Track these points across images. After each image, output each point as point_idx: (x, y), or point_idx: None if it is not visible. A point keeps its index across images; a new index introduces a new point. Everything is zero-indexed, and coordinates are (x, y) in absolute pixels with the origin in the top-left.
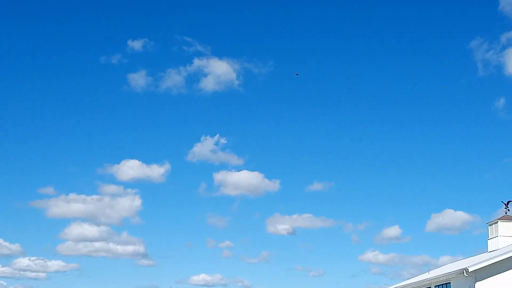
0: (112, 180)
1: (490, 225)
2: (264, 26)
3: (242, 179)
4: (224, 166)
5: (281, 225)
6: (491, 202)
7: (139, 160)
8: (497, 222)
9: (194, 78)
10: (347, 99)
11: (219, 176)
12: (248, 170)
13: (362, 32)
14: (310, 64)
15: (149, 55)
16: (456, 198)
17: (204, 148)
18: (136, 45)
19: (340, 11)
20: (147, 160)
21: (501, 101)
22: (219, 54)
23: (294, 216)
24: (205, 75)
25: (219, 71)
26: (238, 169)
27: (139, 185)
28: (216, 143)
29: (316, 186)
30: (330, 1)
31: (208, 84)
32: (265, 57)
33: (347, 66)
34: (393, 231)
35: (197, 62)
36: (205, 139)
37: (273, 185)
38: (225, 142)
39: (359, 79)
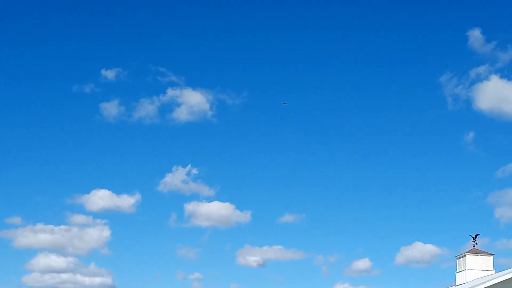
0: (81, 210)
1: (458, 259)
2: (238, 57)
3: (213, 210)
4: (195, 197)
5: (252, 257)
6: (459, 235)
7: (109, 190)
8: (465, 255)
9: (167, 108)
10: (318, 131)
11: (190, 207)
12: (219, 201)
13: (334, 65)
14: (285, 95)
15: (123, 84)
16: (425, 231)
17: (176, 178)
18: (110, 74)
19: (311, 43)
20: (117, 190)
21: (470, 135)
22: (193, 84)
23: (265, 248)
24: (178, 105)
25: (193, 101)
26: (209, 200)
27: (109, 216)
28: (188, 174)
29: (288, 218)
30: (303, 32)
31: (181, 115)
32: (239, 88)
33: (320, 98)
34: (363, 263)
35: (170, 92)
36: (177, 169)
37: (244, 216)
38: (197, 172)
39: (331, 113)
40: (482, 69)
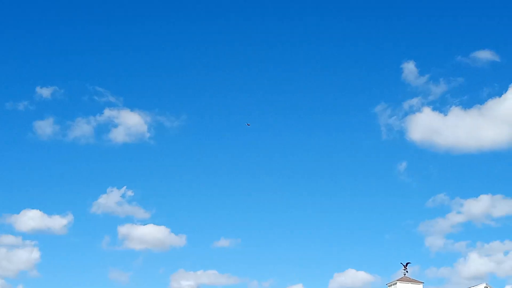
0: (10, 230)
1: (389, 286)
2: (178, 80)
3: (148, 233)
4: (129, 219)
5: (185, 281)
6: (391, 263)
7: (40, 211)
8: (396, 283)
9: (104, 128)
10: (255, 158)
11: (123, 230)
12: (154, 224)
13: (272, 93)
14: (224, 120)
15: (58, 103)
16: (358, 258)
17: (110, 200)
18: (45, 92)
19: (244, 72)
20: (48, 210)
21: (403, 165)
22: (131, 105)
23: (199, 272)
24: (115, 126)
25: (130, 122)
26: (144, 222)
27: (39, 237)
28: (123, 196)
29: (223, 243)
30: (237, 59)
31: (118, 135)
32: (178, 111)
33: (258, 125)
34: None
35: (107, 112)
36: (111, 191)
37: (179, 240)
38: (132, 194)
39: (269, 141)
40: (415, 101)
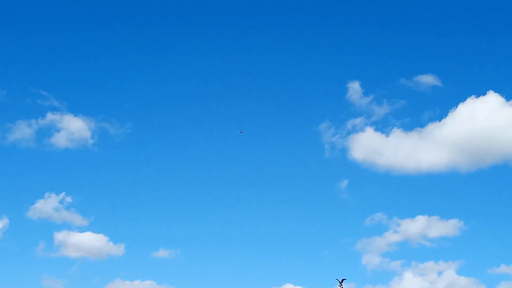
0: None
1: None
2: (124, 87)
3: (85, 241)
4: (66, 226)
5: None
6: (328, 278)
7: None
8: None
9: (46, 132)
10: (193, 167)
11: (60, 236)
12: (92, 231)
13: (213, 107)
14: (170, 131)
15: None
16: (296, 273)
17: (47, 205)
18: None
19: (188, 81)
20: None
21: (344, 183)
22: (75, 110)
23: (136, 282)
24: (58, 130)
25: (73, 127)
26: (82, 230)
27: None
28: (61, 201)
29: (162, 253)
30: (182, 68)
31: (60, 140)
32: (123, 118)
33: (200, 135)
34: None
35: (50, 116)
36: (49, 196)
37: (118, 249)
38: (71, 201)
39: (207, 151)
40: (358, 120)
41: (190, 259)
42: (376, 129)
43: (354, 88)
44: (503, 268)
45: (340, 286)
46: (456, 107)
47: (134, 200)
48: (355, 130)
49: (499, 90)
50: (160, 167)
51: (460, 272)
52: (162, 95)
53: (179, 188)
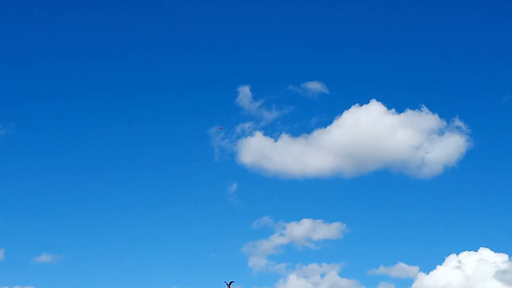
0: None
1: None
2: (6, 87)
3: None
4: None
5: None
6: (215, 281)
7: None
8: None
9: None
10: (78, 172)
11: None
12: None
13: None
14: (56, 130)
15: None
16: (183, 276)
17: None
18: None
19: (78, 83)
20: None
21: (233, 187)
22: None
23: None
24: None
25: None
26: None
27: None
28: None
29: (44, 258)
30: (69, 68)
31: None
32: (6, 119)
33: (93, 141)
34: None
35: None
36: None
37: None
38: None
39: (93, 156)
40: (247, 125)
41: (75, 264)
42: (265, 134)
43: (244, 92)
44: (381, 269)
45: None
46: (341, 114)
47: (14, 203)
48: (244, 134)
49: (381, 99)
50: (43, 168)
51: (342, 274)
52: (45, 95)
53: (63, 191)
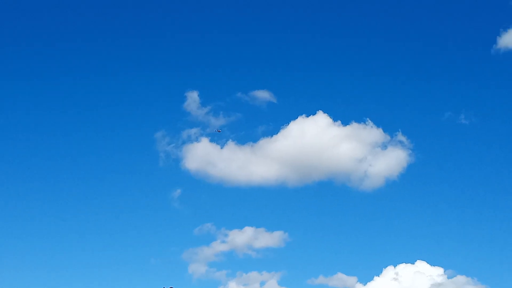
0: None
1: None
2: None
3: None
4: None
5: None
6: (154, 286)
7: None
8: None
9: None
10: (19, 174)
11: None
12: None
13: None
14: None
15: None
16: (122, 280)
17: None
18: None
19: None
20: None
21: (177, 192)
22: None
23: None
24: None
25: None
26: None
27: None
28: None
29: None
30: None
31: None
32: None
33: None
34: None
35: None
36: None
37: None
38: None
39: (41, 159)
40: (194, 131)
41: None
42: (211, 140)
43: (193, 97)
44: (321, 279)
45: None
46: (288, 124)
47: None
48: (190, 140)
49: (328, 111)
50: None
51: (281, 282)
52: None
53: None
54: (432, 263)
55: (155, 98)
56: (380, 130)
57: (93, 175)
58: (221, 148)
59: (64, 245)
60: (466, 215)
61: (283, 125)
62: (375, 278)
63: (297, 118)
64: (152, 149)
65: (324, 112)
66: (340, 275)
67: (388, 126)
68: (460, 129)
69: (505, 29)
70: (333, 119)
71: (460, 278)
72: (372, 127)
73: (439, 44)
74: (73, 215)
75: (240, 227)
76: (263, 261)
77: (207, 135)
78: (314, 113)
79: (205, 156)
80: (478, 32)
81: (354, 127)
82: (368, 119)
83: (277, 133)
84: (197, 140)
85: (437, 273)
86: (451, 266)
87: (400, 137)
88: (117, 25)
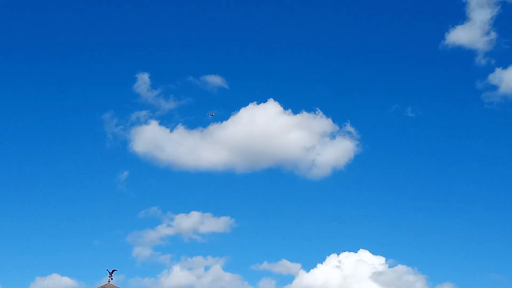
0: None
1: None
2: None
3: None
4: None
5: None
6: (97, 269)
7: None
8: None
9: None
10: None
11: None
12: None
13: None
14: None
15: None
16: (63, 263)
17: None
18: None
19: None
20: None
21: (124, 175)
22: None
23: None
24: None
25: None
26: None
27: None
28: None
29: None
30: None
31: None
32: None
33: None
34: None
35: None
36: None
37: None
38: None
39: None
40: (143, 113)
41: None
42: (161, 124)
43: (143, 79)
44: (265, 265)
45: (109, 277)
46: (238, 110)
47: None
48: (139, 122)
49: (278, 99)
50: None
51: (226, 268)
52: None
53: None
54: (374, 252)
55: (104, 78)
56: (330, 120)
57: (38, 154)
58: (170, 132)
59: (5, 226)
60: (408, 207)
61: (233, 111)
62: (318, 265)
63: (248, 105)
64: (100, 130)
65: (275, 100)
66: (284, 262)
67: (338, 116)
68: (407, 122)
69: (454, 25)
70: (283, 108)
71: (401, 267)
72: (322, 116)
73: (388, 38)
74: (16, 195)
75: (187, 211)
76: (208, 245)
77: (156, 118)
78: (265, 101)
79: (153, 139)
80: (426, 28)
81: (304, 116)
82: (318, 108)
83: (227, 119)
84: (146, 122)
85: (378, 262)
86: (392, 256)
87: (349, 127)
88: (67, 6)
